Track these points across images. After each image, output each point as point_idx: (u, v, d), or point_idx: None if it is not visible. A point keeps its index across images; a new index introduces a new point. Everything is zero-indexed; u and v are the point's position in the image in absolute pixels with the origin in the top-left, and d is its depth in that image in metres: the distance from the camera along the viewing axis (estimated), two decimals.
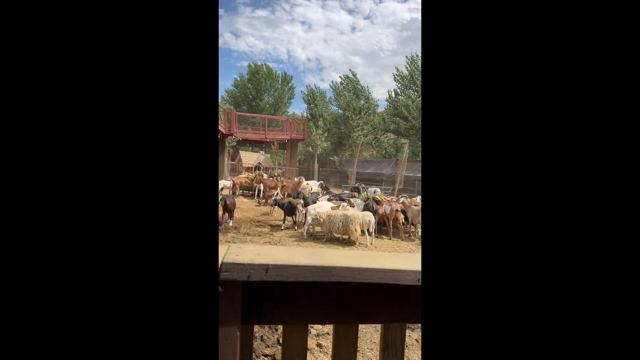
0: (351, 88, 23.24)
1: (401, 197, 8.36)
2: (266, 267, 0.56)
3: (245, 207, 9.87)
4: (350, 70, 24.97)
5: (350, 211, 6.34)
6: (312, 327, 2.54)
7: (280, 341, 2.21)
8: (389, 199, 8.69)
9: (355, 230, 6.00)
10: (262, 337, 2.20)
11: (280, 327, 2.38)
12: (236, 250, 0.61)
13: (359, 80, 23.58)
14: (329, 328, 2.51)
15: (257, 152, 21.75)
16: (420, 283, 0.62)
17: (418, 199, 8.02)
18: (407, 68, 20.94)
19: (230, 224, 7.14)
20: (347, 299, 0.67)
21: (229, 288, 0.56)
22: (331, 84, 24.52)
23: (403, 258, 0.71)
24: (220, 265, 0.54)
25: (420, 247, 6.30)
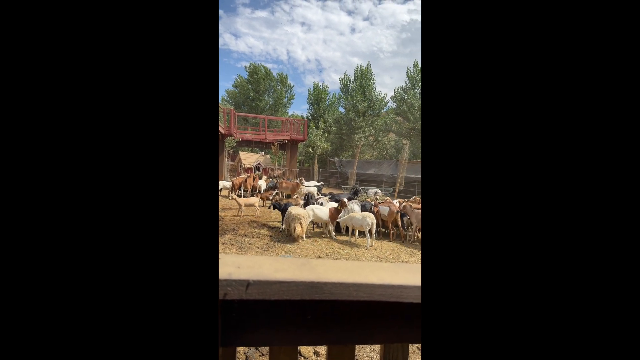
0: (359, 87, 23.00)
1: (406, 201, 8.26)
2: (246, 284, 0.48)
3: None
4: (368, 63, 24.39)
5: (299, 210, 6.45)
6: None
7: None
8: (387, 199, 8.59)
9: (295, 228, 6.13)
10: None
11: None
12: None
13: (372, 76, 23.16)
14: None
15: (257, 152, 21.66)
16: (417, 302, 0.54)
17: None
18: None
19: None
20: (342, 318, 0.59)
21: None
22: (341, 78, 24.22)
23: (404, 270, 0.63)
24: None
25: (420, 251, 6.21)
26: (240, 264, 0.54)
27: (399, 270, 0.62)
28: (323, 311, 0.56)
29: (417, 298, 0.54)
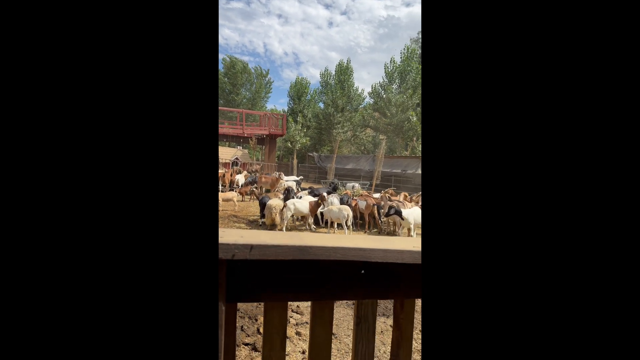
0: (338, 82, 23.24)
1: (383, 192, 8.58)
2: (250, 247, 0.61)
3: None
4: (349, 59, 24.77)
5: (278, 201, 6.87)
6: (291, 318, 2.60)
7: (260, 331, 2.26)
8: (364, 193, 8.89)
9: (274, 217, 6.68)
10: (242, 326, 2.23)
11: (260, 318, 2.43)
12: (220, 233, 0.66)
13: (352, 72, 23.48)
14: (307, 318, 2.59)
15: (234, 147, 21.33)
16: (382, 261, 0.70)
17: (402, 196, 8.25)
18: (401, 56, 21.36)
19: None
20: (323, 278, 0.74)
21: None
22: (322, 73, 24.39)
23: (373, 240, 0.79)
24: None
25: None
26: (242, 234, 0.67)
27: (368, 239, 0.78)
28: (309, 269, 0.71)
29: (381, 258, 0.70)
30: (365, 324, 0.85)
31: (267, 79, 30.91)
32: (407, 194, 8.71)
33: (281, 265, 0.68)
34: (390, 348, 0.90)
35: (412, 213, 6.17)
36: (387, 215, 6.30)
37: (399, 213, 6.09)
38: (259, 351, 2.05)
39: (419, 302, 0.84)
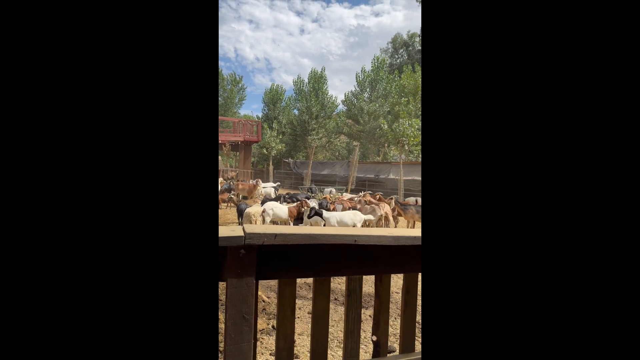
0: (313, 89, 23.73)
1: (360, 196, 9.00)
2: (275, 235, 0.86)
3: None
4: (323, 68, 25.49)
5: (257, 208, 6.97)
6: None
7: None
8: (340, 197, 9.26)
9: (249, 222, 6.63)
10: None
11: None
12: (252, 227, 0.90)
13: (326, 80, 24.07)
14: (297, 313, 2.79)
15: None
16: (366, 243, 0.97)
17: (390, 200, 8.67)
18: (372, 65, 22.21)
19: None
20: (323, 257, 1.00)
21: (250, 250, 0.85)
22: (294, 81, 24.78)
23: (359, 229, 1.07)
24: (245, 234, 0.83)
25: None
26: (266, 228, 0.91)
27: (356, 229, 1.05)
28: (314, 251, 0.97)
29: (365, 241, 0.97)
30: (354, 295, 1.12)
31: (240, 85, 30.80)
32: (383, 196, 9.20)
33: (296, 247, 0.94)
34: (372, 314, 1.17)
35: (333, 214, 6.38)
36: (309, 217, 6.36)
37: (319, 214, 6.33)
38: None
39: (393, 277, 1.08)
